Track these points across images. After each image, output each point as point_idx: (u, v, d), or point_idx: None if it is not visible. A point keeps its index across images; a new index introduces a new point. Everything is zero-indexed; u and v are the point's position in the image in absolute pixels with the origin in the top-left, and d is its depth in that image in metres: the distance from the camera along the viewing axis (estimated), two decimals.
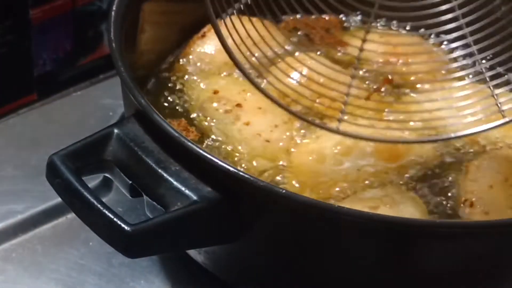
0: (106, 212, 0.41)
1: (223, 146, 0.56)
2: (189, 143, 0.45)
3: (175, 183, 0.44)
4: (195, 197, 0.44)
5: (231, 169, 0.43)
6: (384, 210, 0.48)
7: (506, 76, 0.56)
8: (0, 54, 0.58)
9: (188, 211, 0.43)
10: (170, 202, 0.44)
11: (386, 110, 0.57)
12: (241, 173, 0.43)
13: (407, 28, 0.67)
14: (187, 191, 0.44)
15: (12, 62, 0.61)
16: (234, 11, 0.51)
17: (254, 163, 0.54)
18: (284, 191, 0.43)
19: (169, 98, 0.62)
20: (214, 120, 0.58)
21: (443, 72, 0.60)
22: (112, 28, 0.53)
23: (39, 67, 0.66)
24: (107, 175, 0.48)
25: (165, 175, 0.45)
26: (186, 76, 0.63)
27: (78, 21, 0.65)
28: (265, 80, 0.56)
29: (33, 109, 0.73)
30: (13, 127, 0.71)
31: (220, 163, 0.44)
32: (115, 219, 0.40)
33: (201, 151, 0.44)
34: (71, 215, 0.60)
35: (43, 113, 0.73)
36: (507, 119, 0.49)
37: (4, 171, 0.66)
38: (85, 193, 0.42)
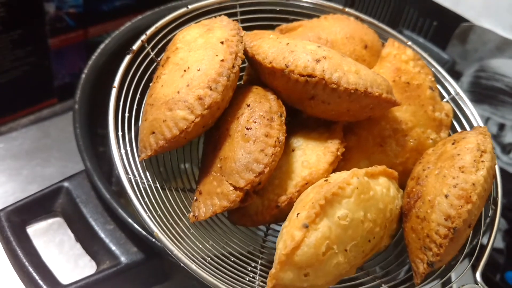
0: (34, 274, 0.46)
1: None
2: (118, 208, 0.49)
3: (107, 241, 0.50)
4: (122, 257, 0.49)
5: (145, 234, 0.48)
6: None
7: None
8: (25, 70, 0.76)
9: (115, 271, 0.48)
10: (101, 260, 0.49)
11: None
12: (151, 239, 0.47)
13: None
14: (116, 251, 0.49)
15: (36, 76, 0.78)
16: None
17: None
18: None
19: None
20: None
21: None
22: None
23: (58, 80, 0.82)
24: (54, 223, 0.53)
25: (100, 233, 0.50)
26: None
27: (90, 47, 0.80)
28: None
29: (34, 123, 0.80)
30: (15, 140, 0.79)
31: (138, 228, 0.48)
32: (40, 281, 0.45)
33: (125, 216, 0.49)
34: None
35: (41, 128, 0.80)
36: None
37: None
38: (19, 253, 0.47)
